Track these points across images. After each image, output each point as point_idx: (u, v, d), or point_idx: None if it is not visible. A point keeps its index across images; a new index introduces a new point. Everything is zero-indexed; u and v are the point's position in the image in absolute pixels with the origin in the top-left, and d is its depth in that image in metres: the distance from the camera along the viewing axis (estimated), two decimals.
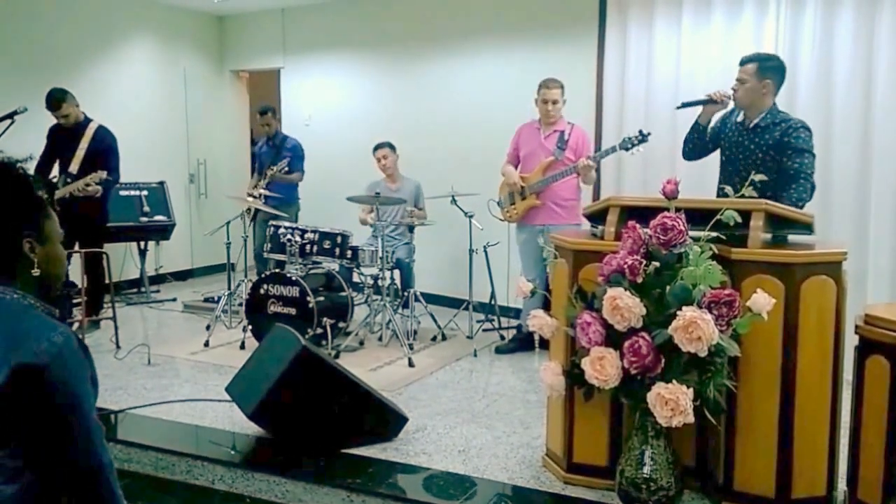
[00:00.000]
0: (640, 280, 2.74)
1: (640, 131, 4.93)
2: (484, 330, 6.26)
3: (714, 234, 2.72)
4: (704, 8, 5.52)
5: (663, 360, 2.67)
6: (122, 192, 7.04)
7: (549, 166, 5.43)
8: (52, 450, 1.63)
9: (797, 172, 3.75)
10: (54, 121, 5.96)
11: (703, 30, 5.52)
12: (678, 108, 4.42)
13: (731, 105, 4.12)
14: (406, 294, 6.08)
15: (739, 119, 4.09)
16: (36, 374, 1.61)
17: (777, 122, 3.89)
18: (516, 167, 5.65)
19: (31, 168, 1.95)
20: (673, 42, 5.64)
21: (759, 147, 3.91)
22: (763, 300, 2.51)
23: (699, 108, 4.27)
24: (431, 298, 6.46)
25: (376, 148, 6.49)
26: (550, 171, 5.41)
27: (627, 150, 4.95)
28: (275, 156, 7.25)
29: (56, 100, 5.80)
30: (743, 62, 4.02)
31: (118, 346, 5.54)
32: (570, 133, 5.46)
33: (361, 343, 5.81)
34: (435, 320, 6.12)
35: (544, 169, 5.44)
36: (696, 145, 4.33)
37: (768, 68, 3.97)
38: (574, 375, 3.00)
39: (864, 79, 4.94)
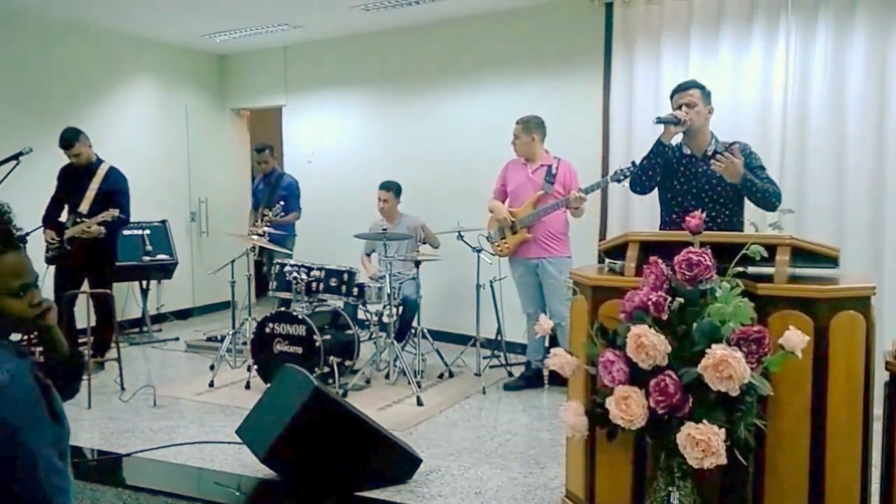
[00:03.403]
0: (664, 317, 2.68)
1: (633, 162, 4.86)
2: (491, 366, 6.20)
3: (739, 269, 2.67)
4: (712, 41, 5.54)
5: (691, 400, 2.60)
6: (125, 232, 7.00)
7: (539, 200, 5.46)
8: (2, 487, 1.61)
9: (770, 180, 3.98)
10: (61, 162, 5.98)
11: (711, 63, 5.53)
12: (656, 122, 4.11)
13: (681, 129, 4.05)
14: (413, 331, 6.02)
15: (687, 151, 4.12)
16: None
17: (729, 146, 3.98)
18: (503, 203, 5.67)
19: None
20: (680, 76, 5.56)
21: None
22: (797, 338, 2.45)
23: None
24: (436, 335, 6.39)
25: (382, 187, 6.51)
26: (541, 204, 5.43)
27: (619, 181, 4.88)
28: (270, 194, 7.33)
29: (68, 139, 5.83)
30: (686, 87, 4.09)
31: (123, 388, 5.45)
32: (557, 167, 5.50)
33: (368, 381, 5.75)
34: (441, 357, 6.05)
35: (535, 202, 5.46)
36: (654, 172, 4.17)
37: (709, 94, 4.09)
38: (597, 415, 2.93)
39: (877, 109, 4.95)
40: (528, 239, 5.49)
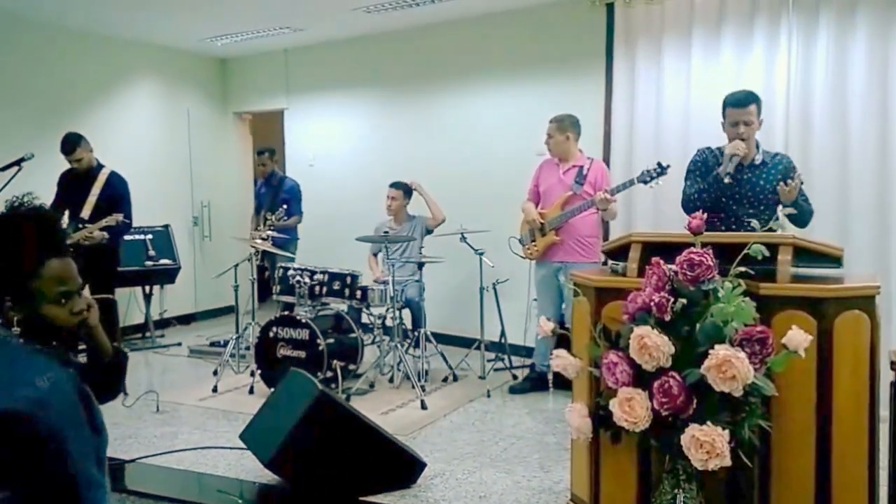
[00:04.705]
0: (667, 318, 2.66)
1: (659, 164, 4.82)
2: (495, 369, 6.17)
3: (742, 268, 2.65)
4: (714, 41, 5.52)
5: (695, 401, 2.58)
6: (127, 237, 7.00)
7: (567, 201, 5.37)
8: (37, 497, 1.60)
9: (808, 199, 4.12)
10: (62, 167, 5.95)
11: (714, 64, 5.52)
12: (726, 175, 3.97)
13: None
14: (416, 333, 6.01)
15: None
16: (16, 420, 1.58)
17: (773, 157, 4.15)
18: (537, 204, 5.59)
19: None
20: (682, 77, 5.63)
21: (769, 182, 4.05)
22: (800, 337, 2.43)
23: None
24: (439, 338, 6.38)
25: (392, 185, 6.51)
26: (569, 205, 5.35)
27: (646, 183, 4.84)
28: (273, 197, 7.34)
29: (71, 143, 5.80)
30: (746, 103, 4.02)
31: (125, 394, 5.43)
32: (588, 168, 5.41)
33: (371, 385, 5.72)
34: (446, 360, 6.03)
35: (563, 204, 5.38)
36: (710, 200, 4.08)
37: (761, 105, 4.07)
38: (600, 417, 2.91)
39: (880, 108, 4.93)
40: (556, 241, 5.40)
